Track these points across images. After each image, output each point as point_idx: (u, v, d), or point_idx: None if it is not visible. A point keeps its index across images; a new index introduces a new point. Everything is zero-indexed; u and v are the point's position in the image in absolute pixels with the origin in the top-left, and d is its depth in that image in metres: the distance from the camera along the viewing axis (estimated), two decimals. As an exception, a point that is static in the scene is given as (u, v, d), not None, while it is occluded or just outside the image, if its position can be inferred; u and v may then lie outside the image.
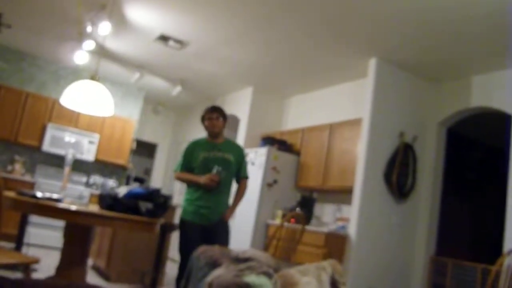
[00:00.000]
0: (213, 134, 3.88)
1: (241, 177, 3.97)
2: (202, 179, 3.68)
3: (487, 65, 5.10)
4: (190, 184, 3.86)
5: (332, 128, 5.96)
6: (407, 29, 4.62)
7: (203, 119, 3.91)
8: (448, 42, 4.74)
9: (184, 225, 3.77)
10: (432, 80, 5.72)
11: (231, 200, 3.94)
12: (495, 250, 4.64)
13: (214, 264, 2.45)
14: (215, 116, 3.84)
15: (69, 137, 7.47)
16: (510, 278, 3.91)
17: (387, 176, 5.31)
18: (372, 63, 5.46)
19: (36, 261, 2.96)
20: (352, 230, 5.09)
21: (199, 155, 3.80)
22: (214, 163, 3.74)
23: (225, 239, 3.82)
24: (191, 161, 3.82)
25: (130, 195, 3.12)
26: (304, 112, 7.09)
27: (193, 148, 3.85)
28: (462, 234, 6.78)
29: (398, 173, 5.33)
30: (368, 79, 5.48)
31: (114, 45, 6.47)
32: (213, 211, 3.77)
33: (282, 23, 5.00)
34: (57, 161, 7.65)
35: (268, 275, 2.21)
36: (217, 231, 3.78)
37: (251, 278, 2.10)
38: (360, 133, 5.38)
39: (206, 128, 3.88)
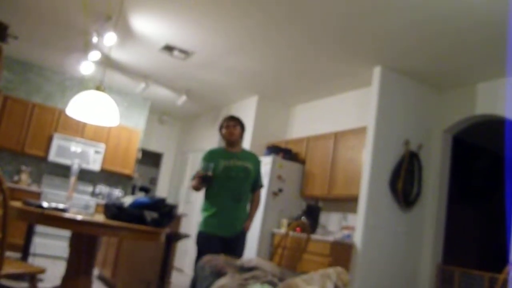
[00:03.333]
0: (231, 142, 3.85)
1: (258, 187, 3.96)
2: (193, 183, 3.70)
3: (491, 73, 5.09)
4: (209, 195, 3.78)
5: (337, 136, 5.96)
6: (411, 38, 4.63)
7: (220, 127, 3.91)
8: (452, 50, 4.74)
9: (204, 238, 3.68)
10: (437, 88, 5.72)
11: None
12: (502, 258, 4.61)
13: (219, 274, 2.45)
14: (232, 124, 3.84)
15: (75, 147, 7.52)
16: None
17: (393, 185, 5.30)
18: (376, 71, 5.47)
19: (42, 271, 2.97)
20: (357, 238, 5.07)
21: (219, 163, 3.71)
22: (235, 172, 3.72)
23: (243, 250, 3.81)
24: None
25: (135, 205, 3.12)
26: (309, 120, 7.10)
27: (211, 156, 3.76)
28: (469, 242, 6.74)
29: (404, 181, 5.32)
30: (372, 87, 5.49)
31: (120, 55, 6.52)
32: (236, 222, 3.74)
33: (287, 32, 5.03)
34: (63, 171, 7.69)
35: (273, 284, 2.21)
36: (237, 242, 3.76)
37: (255, 287, 2.10)
38: (365, 142, 5.37)
39: (224, 136, 3.86)
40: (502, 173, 6.18)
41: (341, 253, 5.00)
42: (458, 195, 6.10)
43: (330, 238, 5.13)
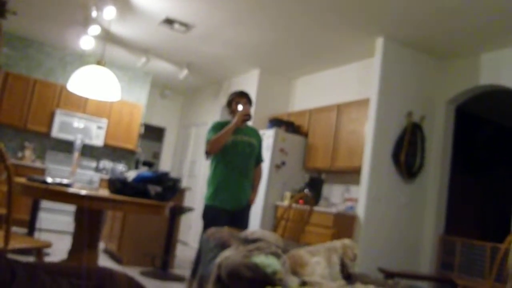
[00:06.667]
0: (244, 120, 3.85)
1: (260, 161, 4.04)
2: (235, 119, 3.68)
3: (496, 43, 5.03)
4: (216, 169, 3.79)
5: (339, 108, 5.93)
6: (414, 7, 4.56)
7: (230, 102, 3.91)
8: (456, 19, 4.67)
9: (211, 211, 3.71)
10: (440, 59, 5.67)
11: None
12: (504, 229, 4.64)
13: (223, 246, 2.48)
14: (244, 101, 3.85)
15: (78, 123, 7.52)
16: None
17: (395, 156, 5.30)
18: (379, 42, 5.41)
19: (48, 245, 3.01)
20: (360, 210, 5.10)
21: None
22: (241, 146, 3.77)
23: (248, 223, 3.87)
24: None
25: (139, 179, 3.13)
26: (311, 93, 7.07)
27: (221, 127, 3.73)
28: (471, 212, 6.78)
29: (406, 152, 5.32)
30: (375, 59, 5.44)
31: (120, 29, 6.46)
32: (242, 196, 3.80)
33: (287, 3, 4.96)
34: (66, 146, 7.71)
35: (277, 256, 2.23)
36: (243, 215, 3.82)
37: (260, 259, 2.12)
38: (367, 113, 5.36)
39: (233, 111, 3.87)
40: (505, 144, 6.17)
41: (344, 225, 5.03)
42: (461, 167, 6.11)
43: (333, 210, 5.16)
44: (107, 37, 6.46)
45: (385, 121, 5.28)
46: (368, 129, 5.29)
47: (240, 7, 5.24)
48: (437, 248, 5.42)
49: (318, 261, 2.56)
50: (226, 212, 3.68)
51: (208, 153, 3.74)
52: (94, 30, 6.16)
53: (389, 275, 4.53)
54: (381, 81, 5.30)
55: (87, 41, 6.65)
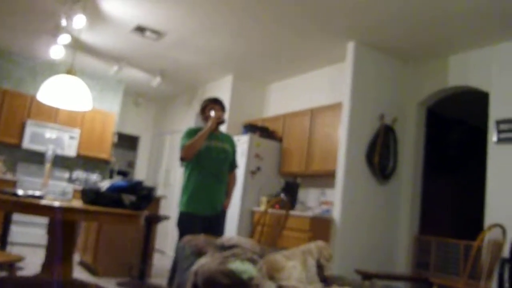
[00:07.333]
0: (217, 126, 3.89)
1: (234, 167, 4.06)
2: (209, 123, 3.73)
3: (463, 45, 5.15)
4: (190, 176, 3.77)
5: (313, 113, 5.98)
6: (383, 11, 4.64)
7: (203, 109, 3.93)
8: (424, 23, 4.77)
9: (186, 218, 3.71)
10: (410, 61, 5.77)
11: None
12: (478, 227, 4.74)
13: (199, 253, 2.47)
14: (217, 108, 3.88)
15: (50, 133, 7.39)
16: (491, 252, 4.00)
17: (369, 159, 5.37)
18: (350, 47, 5.48)
19: (20, 259, 2.95)
20: (336, 213, 5.14)
21: None
22: (215, 152, 3.78)
23: (223, 229, 3.89)
24: None
25: (113, 189, 3.10)
26: (285, 98, 7.11)
27: (195, 133, 3.73)
28: (445, 212, 6.90)
29: (380, 155, 5.39)
30: (346, 63, 5.50)
31: (90, 38, 6.39)
32: (216, 201, 3.80)
33: (258, 10, 4.98)
34: (38, 158, 7.57)
35: (253, 261, 2.23)
36: (218, 221, 3.83)
37: (235, 265, 2.12)
38: (340, 117, 5.41)
39: (207, 118, 3.88)
40: (475, 144, 6.31)
41: (320, 228, 5.07)
42: (434, 167, 6.21)
43: (309, 213, 5.19)
44: (77, 45, 6.38)
45: (358, 124, 5.34)
46: (341, 132, 5.35)
47: (212, 14, 5.25)
48: (412, 248, 5.50)
49: (294, 265, 2.57)
50: (201, 218, 3.68)
51: (183, 159, 3.73)
52: (64, 39, 6.07)
53: (366, 276, 4.58)
54: (353, 85, 5.36)
55: (57, 50, 6.55)
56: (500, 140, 4.72)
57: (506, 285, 3.94)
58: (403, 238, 5.53)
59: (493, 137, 4.80)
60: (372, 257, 5.31)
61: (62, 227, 3.08)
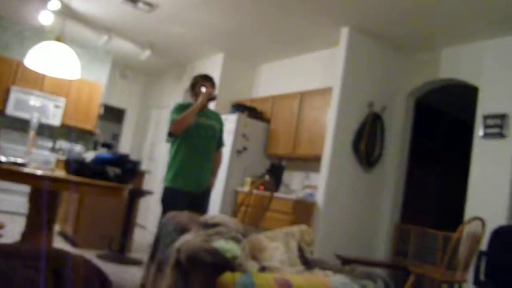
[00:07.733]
0: (207, 103, 3.87)
1: (220, 146, 4.05)
2: (200, 99, 3.71)
3: (456, 38, 5.15)
4: (178, 152, 3.75)
5: (302, 96, 5.96)
6: (380, -2, 4.61)
7: (193, 85, 3.89)
8: (419, 13, 4.75)
9: (171, 193, 3.70)
10: (403, 51, 5.76)
11: None
12: (458, 218, 4.81)
13: (182, 230, 2.46)
14: (208, 85, 3.85)
15: (34, 101, 7.27)
16: (469, 245, 4.06)
17: (355, 145, 5.38)
18: (344, 32, 5.44)
19: (0, 226, 2.91)
20: (319, 197, 5.16)
21: None
22: (204, 130, 3.76)
23: (207, 206, 3.88)
24: None
25: (97, 160, 3.07)
26: (275, 79, 7.07)
27: (184, 109, 3.71)
28: (427, 202, 6.97)
29: (366, 142, 5.41)
30: (339, 48, 5.47)
31: (81, 5, 6.25)
32: (202, 178, 3.79)
33: (255, -12, 4.92)
34: (21, 125, 7.44)
35: (237, 240, 2.23)
36: (203, 198, 3.83)
37: (219, 243, 2.11)
38: (330, 102, 5.40)
39: (197, 94, 3.84)
40: (460, 137, 6.36)
41: (303, 211, 5.09)
42: (419, 157, 6.26)
43: (293, 196, 5.21)
44: (67, 12, 6.25)
45: (346, 111, 5.34)
46: (330, 117, 5.34)
47: (207, -11, 5.16)
48: (392, 236, 5.56)
49: (277, 246, 2.58)
50: (186, 194, 3.67)
51: (171, 134, 3.70)
52: (54, 4, 5.94)
53: (345, 261, 4.62)
54: (345, 71, 5.35)
55: (46, 16, 6.41)
56: (486, 135, 4.76)
57: (482, 276, 4.01)
58: (384, 225, 5.58)
59: (479, 131, 4.84)
60: (353, 242, 5.36)
61: (44, 197, 3.04)
